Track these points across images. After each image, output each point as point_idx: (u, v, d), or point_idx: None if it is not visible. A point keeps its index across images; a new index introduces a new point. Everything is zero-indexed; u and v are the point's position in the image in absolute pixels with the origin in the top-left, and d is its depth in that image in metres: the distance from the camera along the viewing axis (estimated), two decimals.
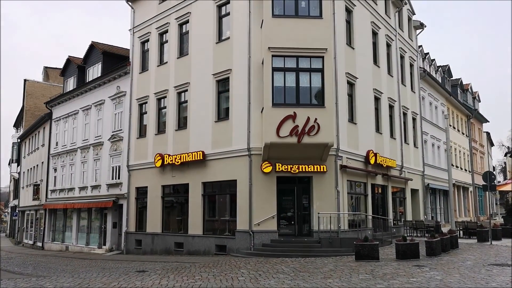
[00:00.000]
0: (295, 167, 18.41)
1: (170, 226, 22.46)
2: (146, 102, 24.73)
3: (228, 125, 19.77)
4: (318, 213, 18.27)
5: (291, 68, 17.87)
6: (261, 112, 18.29)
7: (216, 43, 20.87)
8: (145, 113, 24.91)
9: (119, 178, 26.53)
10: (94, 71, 31.10)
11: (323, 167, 18.64)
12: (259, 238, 18.04)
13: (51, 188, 34.45)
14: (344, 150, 19.81)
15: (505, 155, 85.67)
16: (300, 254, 16.46)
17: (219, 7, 21.06)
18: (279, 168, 18.40)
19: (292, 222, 18.93)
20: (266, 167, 18.41)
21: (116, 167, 27.04)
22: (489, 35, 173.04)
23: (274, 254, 16.83)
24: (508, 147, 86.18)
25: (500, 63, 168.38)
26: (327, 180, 18.85)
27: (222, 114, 20.45)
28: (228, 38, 20.34)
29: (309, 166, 18.53)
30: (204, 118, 20.85)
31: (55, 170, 34.30)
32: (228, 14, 20.58)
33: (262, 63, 18.38)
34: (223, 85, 20.52)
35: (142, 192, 24.48)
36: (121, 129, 26.76)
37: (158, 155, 22.62)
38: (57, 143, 34.54)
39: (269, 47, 17.74)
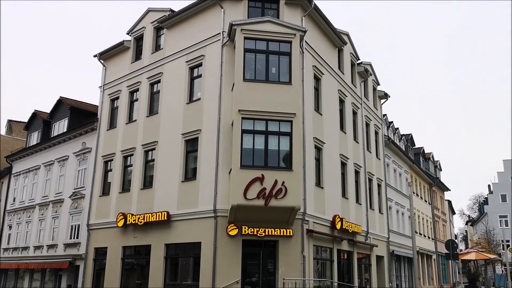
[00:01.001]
0: (261, 230, 18.14)
1: None
2: (112, 160, 24.31)
3: (195, 186, 19.52)
4: (284, 278, 17.83)
5: (260, 131, 18.08)
6: (229, 173, 18.21)
7: (187, 103, 21.06)
8: (110, 170, 24.42)
9: (77, 238, 25.42)
10: (60, 126, 30.62)
11: (290, 231, 18.44)
12: None
13: (4, 247, 32.56)
14: (310, 214, 19.75)
15: (466, 223, 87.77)
16: None
17: (192, 68, 21.47)
18: (245, 231, 18.07)
19: None
20: (232, 229, 18.06)
21: (75, 225, 25.98)
22: (449, 110, 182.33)
23: None
24: (469, 215, 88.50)
25: (459, 135, 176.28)
26: (293, 245, 18.59)
27: (190, 174, 20.25)
28: (199, 99, 20.59)
29: (276, 229, 18.30)
30: (170, 178, 20.57)
31: (10, 227, 32.64)
32: (200, 76, 20.97)
33: (232, 125, 18.55)
34: (191, 145, 20.49)
35: (101, 253, 23.42)
36: (84, 186, 26.02)
37: (120, 214, 21.93)
38: (14, 199, 33.14)
39: (239, 110, 18.00)
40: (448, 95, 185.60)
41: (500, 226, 57.18)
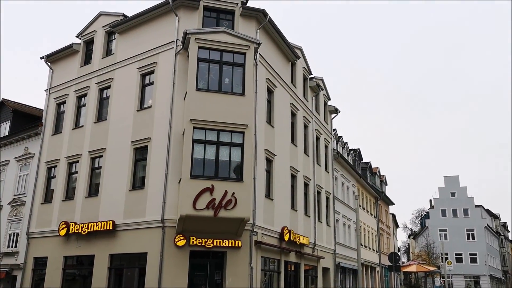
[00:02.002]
0: (209, 241, 17.97)
1: None
2: (56, 166, 23.39)
3: (143, 195, 19.10)
4: None
5: (211, 141, 18.01)
6: (179, 183, 17.96)
7: (137, 110, 20.66)
8: (54, 177, 23.47)
9: (16, 247, 24.18)
10: (1, 130, 29.17)
11: (238, 242, 18.38)
12: None
13: None
14: (259, 225, 19.79)
15: (409, 236, 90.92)
16: None
17: (143, 76, 21.12)
18: (193, 242, 17.84)
19: None
20: (180, 240, 17.78)
21: (14, 234, 24.71)
22: (395, 124, 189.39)
23: None
24: (411, 229, 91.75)
25: (404, 150, 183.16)
26: (241, 256, 18.53)
27: (138, 183, 19.81)
28: (150, 106, 20.25)
29: (224, 240, 18.18)
30: (117, 186, 20.02)
31: None
32: (151, 83, 20.66)
33: (183, 134, 18.36)
34: (141, 153, 20.08)
35: (41, 263, 22.36)
36: (25, 193, 24.85)
37: (63, 222, 21.07)
38: None
39: (191, 119, 17.85)
40: (395, 112, 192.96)
41: (440, 239, 59.68)
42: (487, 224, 73.84)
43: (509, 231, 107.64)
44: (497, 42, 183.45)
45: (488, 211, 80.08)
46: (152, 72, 20.69)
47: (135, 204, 19.18)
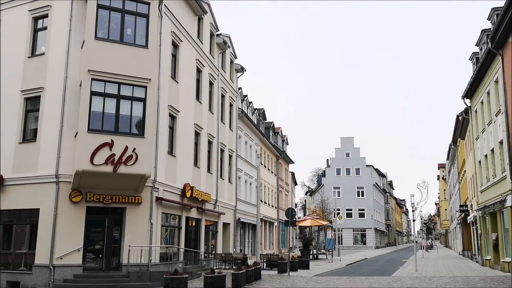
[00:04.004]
0: (108, 197, 17.56)
1: None
2: None
3: (35, 148, 17.94)
4: (129, 246, 17.61)
5: (111, 94, 17.27)
6: (75, 137, 17.11)
7: (29, 57, 19.04)
8: None
9: None
10: None
11: (138, 199, 18.17)
12: (60, 273, 16.45)
13: None
14: (161, 182, 19.65)
15: (306, 193, 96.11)
16: None
17: (35, 19, 19.38)
18: (90, 198, 17.31)
19: (100, 256, 17.83)
20: (76, 196, 17.16)
21: None
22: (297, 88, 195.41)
23: None
24: (309, 186, 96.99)
25: (306, 112, 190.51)
26: (141, 212, 18.38)
27: (29, 135, 18.52)
28: (43, 53, 18.76)
29: (124, 197, 17.88)
30: (6, 138, 18.55)
31: None
32: (45, 28, 19.05)
33: (80, 85, 17.36)
34: (32, 103, 18.69)
35: None
36: None
37: None
38: None
39: (89, 70, 16.88)
40: (298, 75, 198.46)
41: (334, 196, 63.75)
42: (376, 183, 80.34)
43: (393, 189, 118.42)
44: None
45: (377, 170, 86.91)
46: (46, 16, 19.05)
47: (26, 158, 17.99)
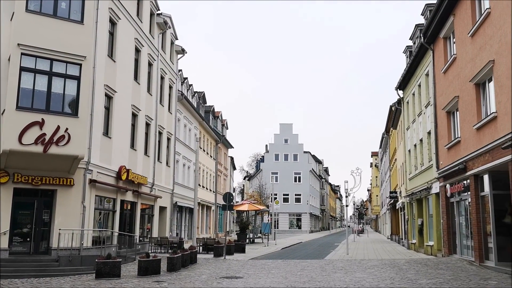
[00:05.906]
0: (37, 178, 16.83)
1: None
2: None
3: None
4: (59, 229, 17.01)
5: (43, 71, 16.44)
6: (2, 114, 16.15)
7: None
8: None
9: None
10: None
11: (70, 181, 17.54)
12: None
13: None
14: (95, 164, 19.04)
15: (244, 178, 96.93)
16: (34, 275, 14.89)
17: None
18: (17, 179, 16.51)
19: (28, 239, 17.10)
20: (2, 176, 16.30)
21: None
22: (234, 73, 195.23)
23: (1, 275, 14.77)
24: (247, 171, 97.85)
25: (247, 98, 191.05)
26: (74, 195, 17.77)
27: None
28: None
29: (54, 178, 17.20)
30: None
31: None
32: None
33: (9, 60, 16.35)
34: None
35: None
36: None
37: None
38: None
39: (18, 44, 15.94)
40: (242, 60, 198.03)
41: (271, 181, 64.79)
42: (312, 169, 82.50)
43: (329, 175, 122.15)
44: None
45: (314, 157, 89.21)
46: None
47: None
